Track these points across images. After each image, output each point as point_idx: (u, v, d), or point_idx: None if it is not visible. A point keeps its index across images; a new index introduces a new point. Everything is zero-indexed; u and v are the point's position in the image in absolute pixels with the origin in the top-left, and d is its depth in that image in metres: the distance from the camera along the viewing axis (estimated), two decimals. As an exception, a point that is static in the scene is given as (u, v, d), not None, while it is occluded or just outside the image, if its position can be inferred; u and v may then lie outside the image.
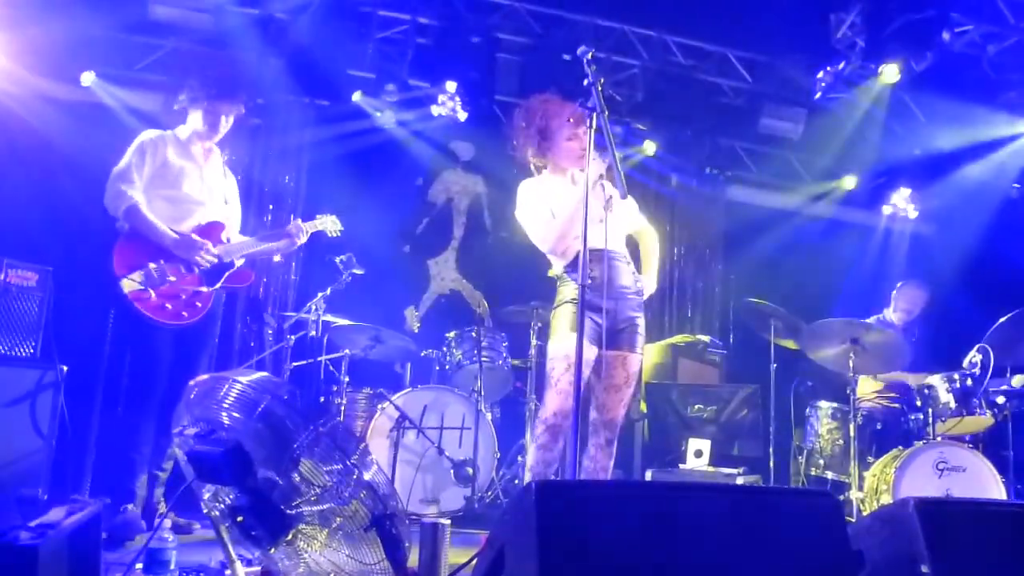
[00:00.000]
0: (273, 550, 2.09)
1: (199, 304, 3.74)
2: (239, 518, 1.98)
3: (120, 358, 3.74)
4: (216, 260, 3.79)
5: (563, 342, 3.28)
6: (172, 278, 3.66)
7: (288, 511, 2.01)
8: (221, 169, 4.05)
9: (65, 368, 3.86)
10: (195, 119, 3.89)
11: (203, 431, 2.01)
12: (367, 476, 1.91)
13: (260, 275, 6.04)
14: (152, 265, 3.63)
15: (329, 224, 4.46)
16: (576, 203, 3.18)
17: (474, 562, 2.02)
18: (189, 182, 3.83)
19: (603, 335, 3.20)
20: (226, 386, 1.97)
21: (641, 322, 3.45)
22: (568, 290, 3.38)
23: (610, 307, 3.25)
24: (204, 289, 3.76)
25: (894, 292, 5.75)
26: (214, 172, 3.98)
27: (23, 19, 5.26)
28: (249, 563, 2.55)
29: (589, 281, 2.90)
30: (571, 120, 3.38)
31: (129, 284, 3.55)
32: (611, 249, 3.32)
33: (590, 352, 3.25)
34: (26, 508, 3.50)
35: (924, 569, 1.88)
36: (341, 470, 1.91)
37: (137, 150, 3.73)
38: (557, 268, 3.50)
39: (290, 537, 2.04)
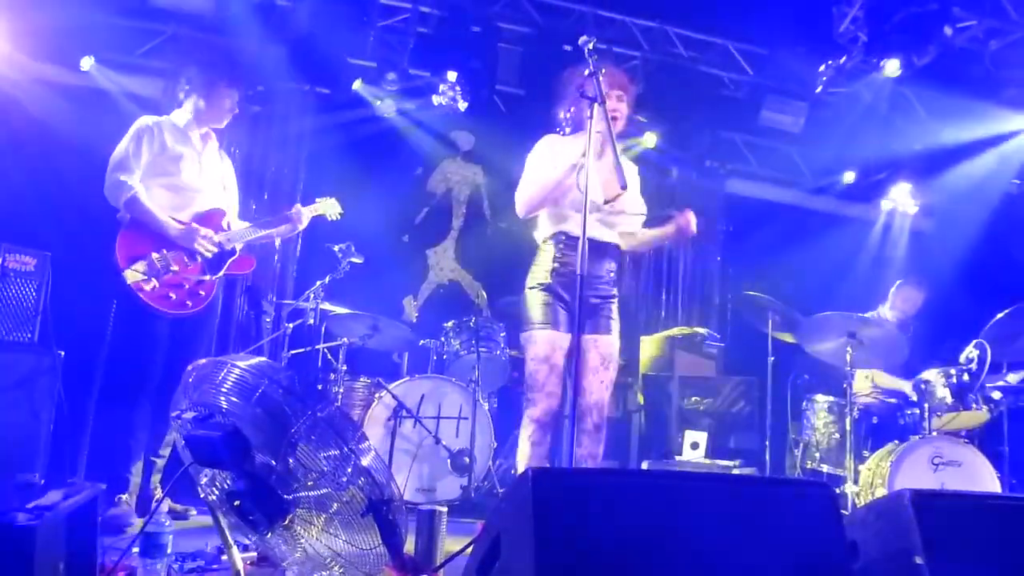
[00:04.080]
0: (270, 535, 2.10)
1: (202, 293, 3.73)
2: (236, 502, 1.98)
3: (119, 346, 3.72)
4: (217, 249, 3.78)
5: (539, 345, 3.29)
6: (175, 267, 3.64)
7: (285, 496, 2.02)
8: (218, 154, 4.01)
9: (63, 353, 3.85)
10: (195, 105, 3.86)
11: (201, 415, 2.01)
12: (364, 462, 1.92)
13: (258, 263, 6.02)
14: (155, 255, 3.60)
15: (329, 207, 4.42)
16: (567, 167, 3.15)
17: (470, 549, 2.03)
18: (187, 169, 3.79)
19: (574, 320, 3.12)
20: (224, 370, 1.97)
21: (613, 306, 3.45)
22: (538, 272, 3.39)
23: (575, 294, 3.15)
24: (207, 277, 3.74)
25: (892, 289, 5.75)
26: (211, 158, 3.94)
27: (23, 3, 5.24)
28: (245, 548, 2.56)
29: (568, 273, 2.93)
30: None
31: (132, 275, 3.53)
32: (588, 236, 3.33)
33: (564, 339, 3.28)
34: (23, 492, 3.51)
35: (918, 560, 1.88)
36: (338, 456, 1.91)
37: (134, 137, 3.68)
38: (539, 240, 3.49)
39: (287, 522, 2.04)
